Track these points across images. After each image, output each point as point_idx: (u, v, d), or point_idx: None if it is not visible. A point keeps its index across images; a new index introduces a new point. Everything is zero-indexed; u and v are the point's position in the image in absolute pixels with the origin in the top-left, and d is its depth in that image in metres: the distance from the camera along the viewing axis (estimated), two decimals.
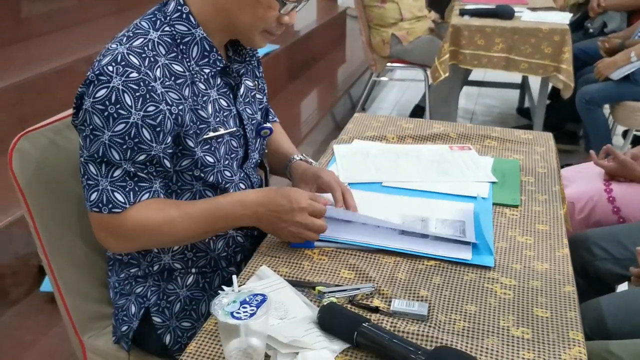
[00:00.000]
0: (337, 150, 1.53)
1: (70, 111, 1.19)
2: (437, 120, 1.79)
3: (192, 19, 1.12)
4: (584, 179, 1.95)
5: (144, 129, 1.05)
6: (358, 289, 1.01)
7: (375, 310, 0.97)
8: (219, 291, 0.89)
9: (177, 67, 1.10)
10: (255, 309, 0.81)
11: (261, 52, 1.25)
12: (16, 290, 1.84)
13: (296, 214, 1.11)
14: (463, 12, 3.21)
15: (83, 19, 3.32)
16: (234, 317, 0.80)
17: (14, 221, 1.83)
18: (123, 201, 1.07)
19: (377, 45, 3.63)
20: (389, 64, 3.74)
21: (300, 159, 1.37)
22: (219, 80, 1.18)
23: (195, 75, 1.13)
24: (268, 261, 1.10)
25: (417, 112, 3.89)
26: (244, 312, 0.81)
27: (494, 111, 4.30)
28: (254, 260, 1.11)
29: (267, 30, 1.14)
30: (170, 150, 1.10)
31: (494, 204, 1.31)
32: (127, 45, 1.07)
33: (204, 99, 1.14)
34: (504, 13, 3.11)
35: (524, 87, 4.14)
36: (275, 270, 1.06)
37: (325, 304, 0.94)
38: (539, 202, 1.33)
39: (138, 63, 1.05)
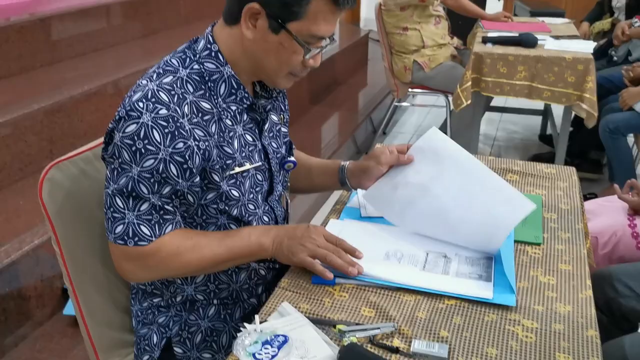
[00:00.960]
0: None
1: (100, 140, 1.22)
2: None
3: (220, 57, 1.15)
4: (608, 213, 1.93)
5: (171, 165, 1.07)
6: (378, 328, 1.01)
7: (396, 350, 0.97)
8: (240, 325, 0.91)
9: (205, 104, 1.13)
10: (276, 350, 0.82)
11: None
12: (40, 312, 1.88)
13: (311, 231, 1.17)
14: (485, 40, 3.22)
15: (112, 42, 3.40)
16: (255, 358, 0.81)
17: (40, 244, 1.87)
18: (149, 234, 1.10)
19: (399, 71, 3.65)
20: (410, 90, 3.76)
21: (349, 162, 1.43)
22: (245, 116, 1.20)
23: (222, 112, 1.15)
24: (289, 296, 1.11)
25: None
26: (265, 353, 0.82)
27: (515, 137, 4.28)
28: (275, 295, 1.12)
29: (291, 72, 1.17)
30: (196, 188, 1.12)
31: (515, 241, 1.30)
32: (157, 82, 1.10)
33: (230, 134, 1.17)
34: (527, 42, 3.11)
35: (546, 113, 4.12)
36: (295, 306, 1.07)
37: (345, 343, 0.94)
38: (561, 240, 1.32)
39: (167, 100, 1.08)
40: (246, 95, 1.17)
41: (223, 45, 1.15)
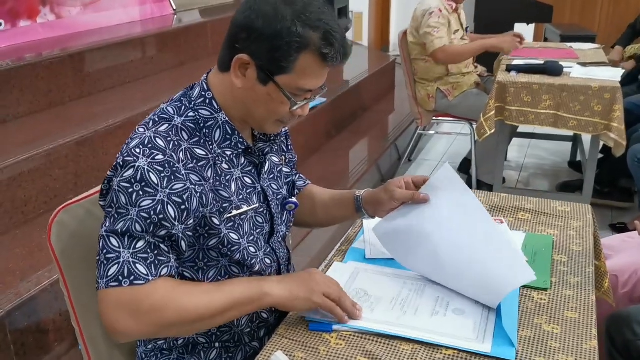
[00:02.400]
0: (366, 224, 1.54)
1: None
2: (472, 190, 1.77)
3: (215, 104, 1.18)
4: (629, 250, 1.88)
5: (169, 206, 1.08)
6: None
7: None
8: None
9: (199, 151, 1.15)
10: None
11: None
12: (59, 346, 1.91)
13: (315, 277, 1.17)
14: (510, 69, 3.19)
15: (140, 75, 3.47)
16: None
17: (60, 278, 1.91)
18: (145, 273, 1.06)
19: (422, 99, 3.64)
20: (434, 118, 3.74)
21: (364, 191, 1.42)
22: (242, 160, 1.22)
23: (217, 158, 1.17)
24: (285, 344, 1.11)
25: (465, 165, 3.84)
26: None
27: (544, 164, 4.20)
28: (272, 342, 1.12)
29: (279, 120, 1.19)
30: (189, 233, 1.13)
31: (522, 285, 1.27)
32: (154, 130, 1.13)
33: (227, 178, 1.18)
34: (553, 70, 3.06)
35: (576, 139, 4.04)
36: (290, 355, 1.07)
37: None
38: (570, 285, 1.29)
39: (164, 146, 1.10)
40: (241, 140, 1.20)
41: (217, 91, 1.18)
